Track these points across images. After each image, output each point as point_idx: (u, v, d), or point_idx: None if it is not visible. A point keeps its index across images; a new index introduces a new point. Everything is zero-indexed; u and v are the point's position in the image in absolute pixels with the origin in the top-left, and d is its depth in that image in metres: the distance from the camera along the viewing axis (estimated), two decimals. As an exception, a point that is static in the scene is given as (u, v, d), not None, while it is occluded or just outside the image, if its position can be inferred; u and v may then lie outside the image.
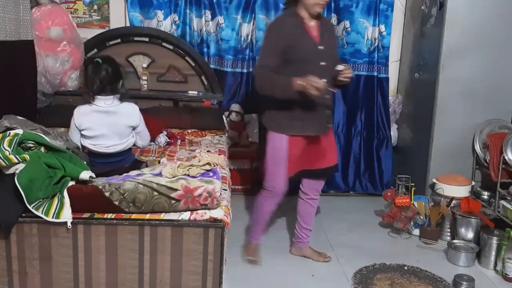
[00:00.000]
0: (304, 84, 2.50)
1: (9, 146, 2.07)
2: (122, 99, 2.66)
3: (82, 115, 2.60)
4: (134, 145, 2.80)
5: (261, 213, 2.98)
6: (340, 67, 2.68)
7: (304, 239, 3.13)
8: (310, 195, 3.05)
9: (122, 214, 2.08)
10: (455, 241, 3.23)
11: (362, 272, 2.91)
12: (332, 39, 2.85)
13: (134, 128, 2.71)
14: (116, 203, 2.05)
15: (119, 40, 4.09)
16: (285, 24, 2.71)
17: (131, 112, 2.69)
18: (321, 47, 2.70)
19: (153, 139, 3.43)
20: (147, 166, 2.62)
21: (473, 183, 3.61)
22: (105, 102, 2.59)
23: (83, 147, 2.65)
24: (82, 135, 2.61)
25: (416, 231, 3.49)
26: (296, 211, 3.13)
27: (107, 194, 2.05)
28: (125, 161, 2.72)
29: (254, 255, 3.02)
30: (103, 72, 2.58)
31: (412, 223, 3.49)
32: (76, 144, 2.62)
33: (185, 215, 2.09)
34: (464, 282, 2.74)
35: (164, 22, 4.18)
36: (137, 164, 2.73)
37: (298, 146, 2.77)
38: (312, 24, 2.73)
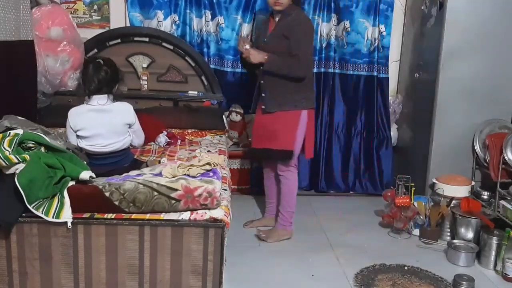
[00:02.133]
0: None
1: (9, 146, 2.07)
2: (115, 99, 2.67)
3: (77, 115, 2.59)
4: (131, 144, 2.80)
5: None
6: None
7: (268, 209, 3.56)
8: (278, 172, 3.32)
9: (122, 214, 2.08)
10: (455, 241, 3.23)
11: (363, 273, 2.91)
12: (279, 32, 3.13)
13: (130, 126, 2.71)
14: (116, 203, 2.05)
15: (119, 40, 4.09)
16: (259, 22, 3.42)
17: (125, 110, 2.68)
18: (266, 40, 3.19)
19: (153, 139, 3.44)
20: (147, 166, 2.62)
21: (473, 183, 3.61)
22: (99, 102, 2.59)
23: (81, 149, 2.64)
24: (78, 136, 2.59)
25: (416, 231, 3.49)
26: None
27: (107, 194, 2.05)
28: (124, 160, 2.71)
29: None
30: (102, 73, 2.59)
31: (412, 223, 3.49)
32: (75, 145, 2.62)
33: (185, 215, 2.09)
34: (464, 282, 2.74)
35: (164, 22, 4.18)
36: (137, 164, 2.73)
37: (255, 121, 3.36)
38: (276, 19, 3.19)
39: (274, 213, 3.53)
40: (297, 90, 3.14)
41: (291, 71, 3.09)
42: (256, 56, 3.09)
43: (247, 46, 3.11)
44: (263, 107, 3.21)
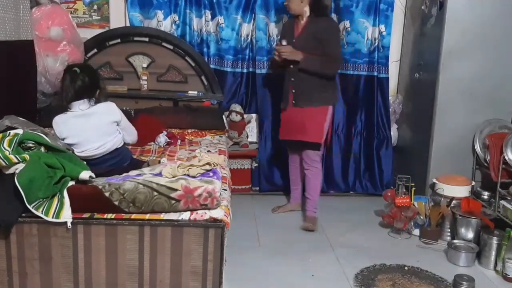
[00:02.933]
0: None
1: (9, 146, 2.07)
2: (97, 102, 2.67)
3: (61, 124, 2.58)
4: (125, 143, 2.80)
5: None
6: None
7: (307, 206, 3.66)
8: (304, 165, 3.61)
9: (122, 214, 2.07)
10: (455, 241, 3.23)
11: (364, 273, 2.91)
12: (310, 35, 3.39)
13: (118, 124, 2.71)
14: (116, 203, 2.05)
15: (119, 40, 4.09)
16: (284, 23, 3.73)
17: (109, 109, 2.68)
18: (294, 40, 3.43)
19: (153, 139, 3.44)
20: (148, 165, 2.62)
21: (473, 183, 3.61)
22: (80, 107, 2.58)
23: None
24: (68, 144, 2.58)
25: (416, 231, 3.49)
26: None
27: (107, 194, 2.05)
28: (122, 160, 2.71)
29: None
30: (78, 82, 2.57)
31: (412, 223, 3.49)
32: None
33: (185, 215, 2.09)
34: (464, 282, 2.74)
35: (164, 22, 4.18)
36: (138, 164, 2.72)
37: (283, 116, 3.64)
38: (302, 22, 3.46)
39: (299, 198, 3.89)
40: (325, 87, 3.47)
41: (324, 69, 3.41)
42: (293, 53, 3.35)
43: (284, 43, 3.40)
44: (293, 102, 3.49)
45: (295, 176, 3.82)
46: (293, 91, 3.48)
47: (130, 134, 2.83)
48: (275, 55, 3.45)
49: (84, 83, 2.59)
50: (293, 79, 3.47)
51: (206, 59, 4.23)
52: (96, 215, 2.07)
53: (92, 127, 2.58)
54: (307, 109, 3.45)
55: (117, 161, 2.66)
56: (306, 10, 3.42)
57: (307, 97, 3.44)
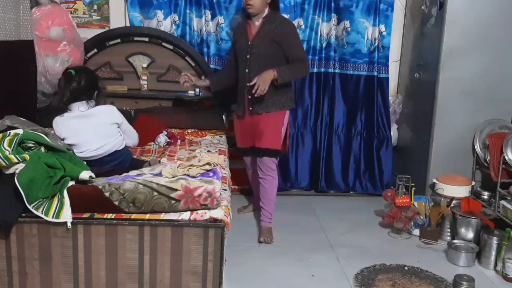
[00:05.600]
0: None
1: (9, 146, 2.07)
2: (97, 103, 2.67)
3: (60, 124, 2.60)
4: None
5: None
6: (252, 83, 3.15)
7: (262, 217, 3.46)
8: (259, 173, 3.42)
9: (122, 214, 2.07)
10: (455, 241, 3.23)
11: (363, 273, 2.91)
12: (266, 36, 3.24)
13: (118, 126, 2.71)
14: (116, 203, 2.05)
15: (119, 40, 4.09)
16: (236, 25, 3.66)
17: (108, 111, 2.69)
18: (250, 43, 3.28)
19: (153, 139, 3.44)
20: (150, 165, 2.62)
21: (473, 183, 3.61)
22: (79, 108, 2.60)
23: None
24: (69, 145, 2.59)
25: (416, 231, 3.49)
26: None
27: (107, 194, 2.05)
28: (124, 161, 2.71)
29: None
30: (73, 84, 2.59)
31: (412, 223, 3.49)
32: None
33: (185, 215, 2.09)
34: (464, 282, 2.74)
35: (164, 22, 4.17)
36: (139, 164, 2.72)
37: (238, 123, 3.54)
38: (256, 23, 3.30)
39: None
40: (282, 91, 3.31)
41: (299, 74, 3.39)
42: (267, 80, 3.12)
43: (254, 81, 3.12)
44: (250, 108, 3.35)
45: (256, 182, 3.59)
46: (249, 97, 3.28)
47: (132, 137, 2.85)
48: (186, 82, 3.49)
49: (79, 85, 2.61)
50: (249, 84, 3.22)
51: (206, 59, 4.23)
52: (96, 215, 2.07)
53: (91, 128, 2.59)
54: (265, 115, 3.30)
55: (118, 163, 2.66)
56: (266, 10, 3.27)
57: (264, 103, 3.27)
